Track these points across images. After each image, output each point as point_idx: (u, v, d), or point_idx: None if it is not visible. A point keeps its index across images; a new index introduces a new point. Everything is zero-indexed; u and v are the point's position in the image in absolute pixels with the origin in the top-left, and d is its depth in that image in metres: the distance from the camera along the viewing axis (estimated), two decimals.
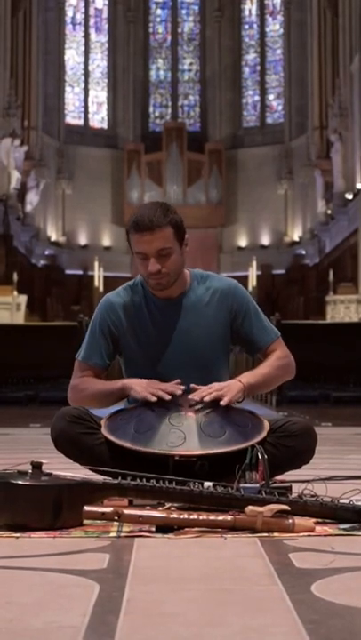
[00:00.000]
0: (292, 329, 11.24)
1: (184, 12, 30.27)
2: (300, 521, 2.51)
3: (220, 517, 2.53)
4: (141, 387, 3.00)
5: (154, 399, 2.94)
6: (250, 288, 21.42)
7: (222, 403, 2.94)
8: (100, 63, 29.35)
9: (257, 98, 29.29)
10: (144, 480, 2.64)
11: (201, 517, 2.53)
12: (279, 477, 3.06)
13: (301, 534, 2.47)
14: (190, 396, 2.97)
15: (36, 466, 2.61)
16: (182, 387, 2.98)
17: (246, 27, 29.48)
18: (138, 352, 3.13)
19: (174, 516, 2.54)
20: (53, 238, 27.07)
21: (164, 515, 2.54)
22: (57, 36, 27.69)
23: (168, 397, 2.95)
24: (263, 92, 29.15)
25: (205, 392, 2.96)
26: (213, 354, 3.15)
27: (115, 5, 29.03)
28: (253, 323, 3.17)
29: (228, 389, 2.98)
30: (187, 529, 2.52)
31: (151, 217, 3.01)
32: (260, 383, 3.12)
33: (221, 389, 2.97)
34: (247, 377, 3.08)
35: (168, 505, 2.64)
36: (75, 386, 3.17)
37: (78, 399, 3.15)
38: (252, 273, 23.67)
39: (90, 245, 27.51)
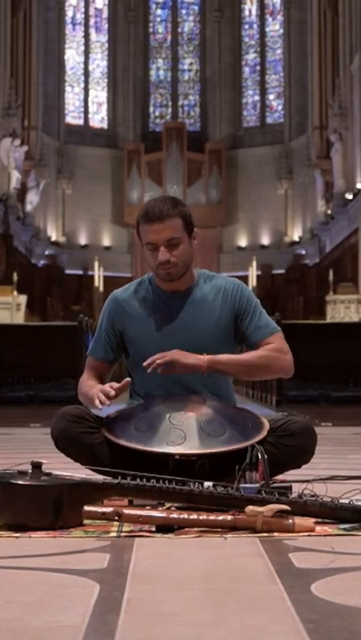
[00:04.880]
0: (292, 329, 11.23)
1: (184, 11, 30.28)
2: (300, 521, 2.51)
3: (221, 517, 2.53)
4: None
5: (99, 406, 2.97)
6: (250, 288, 21.43)
7: (159, 361, 2.97)
8: (100, 63, 29.36)
9: (257, 98, 29.30)
10: (144, 480, 2.64)
11: (201, 517, 2.53)
12: (279, 477, 3.06)
13: (301, 534, 2.47)
14: (145, 364, 3.00)
15: (36, 466, 2.61)
16: (117, 384, 3.01)
17: (246, 26, 29.50)
18: (142, 344, 3.14)
19: (174, 515, 2.54)
20: (53, 238, 27.08)
21: (164, 514, 2.54)
22: (57, 36, 27.71)
23: (105, 400, 2.96)
24: (263, 92, 29.17)
25: (160, 358, 2.99)
26: (216, 349, 3.13)
27: (115, 5, 29.05)
28: (251, 321, 3.16)
29: (183, 356, 3.00)
30: (187, 529, 2.52)
31: (161, 207, 3.08)
32: (232, 365, 3.08)
33: (173, 355, 3.00)
34: (218, 356, 3.06)
35: (168, 505, 2.64)
36: (79, 384, 3.24)
37: (81, 398, 3.20)
38: (253, 273, 23.69)
39: (90, 245, 27.51)
